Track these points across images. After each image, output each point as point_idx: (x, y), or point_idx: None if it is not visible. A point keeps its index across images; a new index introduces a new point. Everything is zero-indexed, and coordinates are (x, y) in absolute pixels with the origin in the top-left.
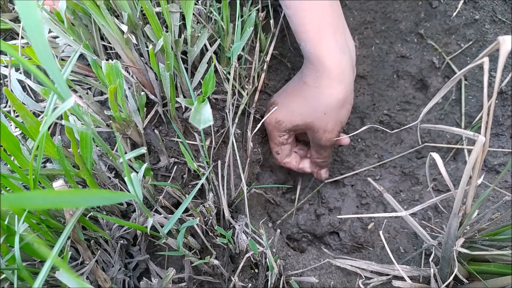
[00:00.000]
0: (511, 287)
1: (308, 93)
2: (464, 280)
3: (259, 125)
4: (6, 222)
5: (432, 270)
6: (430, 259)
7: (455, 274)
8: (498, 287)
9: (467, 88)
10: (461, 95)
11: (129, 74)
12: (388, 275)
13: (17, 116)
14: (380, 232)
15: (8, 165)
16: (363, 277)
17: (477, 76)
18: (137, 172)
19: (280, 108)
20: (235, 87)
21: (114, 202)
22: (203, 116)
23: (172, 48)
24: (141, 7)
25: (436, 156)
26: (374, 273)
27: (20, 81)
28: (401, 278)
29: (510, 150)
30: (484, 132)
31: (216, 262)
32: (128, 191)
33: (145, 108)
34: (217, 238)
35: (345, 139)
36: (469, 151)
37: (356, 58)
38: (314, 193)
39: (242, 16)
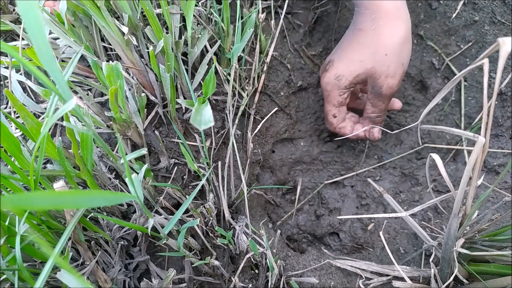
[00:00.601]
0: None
1: (367, 38)
2: (464, 280)
3: (259, 126)
4: (6, 223)
5: (432, 270)
6: (430, 260)
7: (455, 275)
8: (498, 287)
9: (467, 89)
10: (461, 96)
11: (130, 75)
12: (388, 275)
13: (18, 117)
14: (380, 233)
15: (9, 166)
16: (363, 277)
17: (477, 77)
18: (138, 173)
19: (338, 62)
20: (235, 88)
21: (115, 203)
22: (203, 117)
23: (172, 49)
24: (142, 9)
25: (436, 157)
26: (374, 273)
27: (20, 82)
28: (401, 279)
29: (509, 151)
30: (484, 133)
31: (216, 262)
32: (129, 192)
33: (145, 109)
34: (217, 239)
35: (397, 103)
36: (469, 152)
37: None
38: (314, 194)
39: (242, 18)
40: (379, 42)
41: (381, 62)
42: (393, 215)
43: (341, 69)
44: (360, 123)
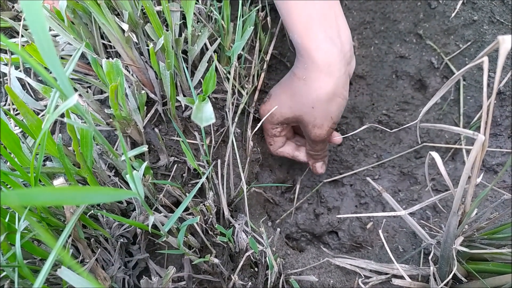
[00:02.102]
0: (510, 286)
1: (297, 85)
2: (463, 279)
3: (259, 125)
4: (6, 220)
5: (431, 268)
6: (429, 257)
7: (454, 273)
8: (497, 285)
9: (466, 89)
10: (460, 95)
11: (129, 73)
12: (387, 274)
13: (17, 114)
14: (380, 231)
15: (9, 163)
16: (363, 276)
17: (476, 77)
18: (137, 171)
19: (272, 100)
20: (235, 86)
21: (116, 200)
22: (205, 114)
23: (172, 47)
24: (142, 6)
25: (435, 155)
26: (373, 272)
27: (19, 80)
28: (400, 277)
29: (508, 150)
30: (483, 131)
31: (216, 260)
32: (128, 189)
33: (145, 107)
34: (217, 237)
35: (336, 138)
36: (468, 151)
37: (355, 56)
38: (313, 193)
39: (242, 16)
40: (307, 94)
41: (308, 113)
42: (392, 213)
43: (273, 108)
44: (304, 147)
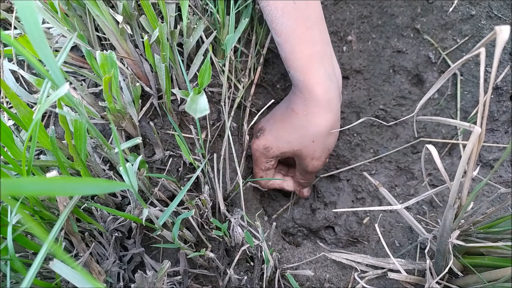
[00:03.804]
0: (510, 278)
1: (297, 121)
2: (459, 273)
3: (255, 119)
4: None
5: (427, 261)
6: (426, 251)
7: (450, 267)
8: (493, 279)
9: (463, 84)
10: (457, 90)
11: (124, 65)
12: (383, 268)
13: (10, 107)
14: (376, 225)
15: (1, 156)
16: (359, 270)
17: (473, 72)
18: (132, 164)
19: (268, 134)
20: (231, 80)
21: (109, 191)
22: (199, 105)
23: (167, 39)
24: None
25: (431, 148)
26: (370, 266)
27: (13, 72)
28: (397, 271)
29: (505, 145)
30: (480, 123)
31: (211, 255)
32: None
33: (140, 101)
34: (212, 231)
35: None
36: (464, 146)
37: (352, 53)
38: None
39: (238, 8)
40: (308, 129)
41: (308, 147)
42: (388, 208)
43: (270, 143)
44: (289, 176)
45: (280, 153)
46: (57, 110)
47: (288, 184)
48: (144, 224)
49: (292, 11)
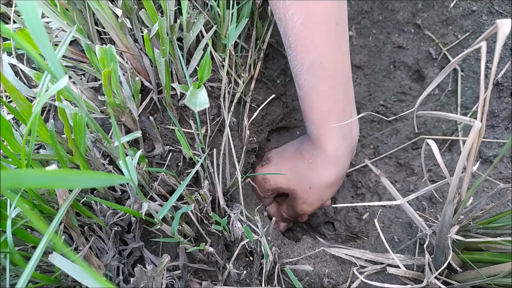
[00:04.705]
0: (509, 274)
1: (301, 164)
2: (458, 268)
3: (255, 114)
4: None
5: (426, 256)
6: (425, 246)
7: (449, 263)
8: (491, 275)
9: (463, 80)
10: (457, 86)
11: (124, 60)
12: (382, 263)
13: (10, 101)
14: (375, 221)
15: (1, 150)
16: (358, 265)
17: (473, 68)
18: (132, 158)
19: (271, 167)
20: (231, 75)
21: (110, 184)
22: (199, 99)
23: (167, 33)
24: None
25: (431, 142)
26: (369, 261)
27: (12, 66)
28: (396, 267)
29: (505, 141)
30: (480, 118)
31: (211, 249)
32: None
33: (139, 95)
34: (212, 226)
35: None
36: (464, 142)
37: (353, 48)
38: None
39: (238, 4)
40: (309, 175)
41: (304, 191)
42: (388, 203)
43: (270, 175)
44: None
45: (277, 187)
46: (56, 103)
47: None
48: (143, 218)
49: (317, 69)
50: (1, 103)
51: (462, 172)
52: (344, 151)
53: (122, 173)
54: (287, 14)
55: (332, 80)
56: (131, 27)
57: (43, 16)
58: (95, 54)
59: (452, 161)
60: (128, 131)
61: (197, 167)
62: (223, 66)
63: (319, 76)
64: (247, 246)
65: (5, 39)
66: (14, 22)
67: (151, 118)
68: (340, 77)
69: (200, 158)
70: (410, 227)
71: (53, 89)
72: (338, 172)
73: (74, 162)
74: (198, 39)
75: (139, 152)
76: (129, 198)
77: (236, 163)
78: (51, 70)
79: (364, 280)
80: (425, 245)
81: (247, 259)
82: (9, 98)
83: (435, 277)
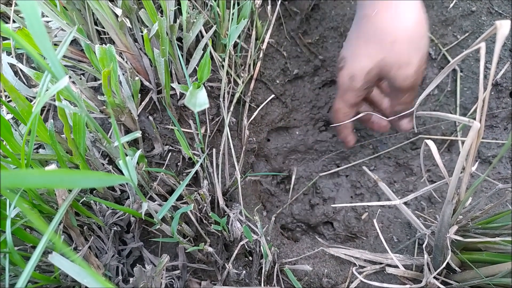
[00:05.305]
0: (509, 273)
1: (369, 26)
2: (457, 268)
3: (255, 114)
4: None
5: (425, 256)
6: (424, 246)
7: (448, 263)
8: (490, 275)
9: (463, 80)
10: (456, 86)
11: (123, 60)
12: (381, 263)
13: (9, 101)
14: (374, 221)
15: (0, 150)
16: (357, 265)
17: (473, 68)
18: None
19: (349, 59)
20: (231, 75)
21: (109, 184)
22: (198, 99)
23: (167, 33)
24: None
25: (430, 143)
26: (368, 261)
27: (11, 66)
28: (395, 267)
29: (504, 142)
30: (479, 118)
31: (210, 249)
32: None
33: (139, 95)
34: (211, 226)
35: (406, 123)
36: (463, 143)
37: None
38: (308, 183)
39: (238, 4)
40: (383, 28)
41: (390, 51)
42: (387, 203)
43: (352, 68)
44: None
45: (365, 75)
46: (56, 103)
47: (378, 118)
48: (143, 218)
49: None
50: (1, 103)
51: (461, 172)
52: None
53: (122, 173)
54: None
55: None
56: (131, 27)
57: (42, 15)
58: (95, 53)
59: (451, 161)
60: (127, 131)
61: (197, 167)
62: (222, 66)
63: None
64: (246, 246)
65: (4, 38)
66: (14, 21)
67: (150, 118)
68: None
69: (200, 158)
70: (409, 227)
71: (53, 89)
72: (412, 4)
73: (74, 162)
74: (198, 39)
75: (139, 152)
76: (128, 198)
77: (236, 163)
78: (51, 70)
79: (363, 280)
80: (424, 245)
81: (246, 259)
82: (9, 98)
83: (434, 277)
